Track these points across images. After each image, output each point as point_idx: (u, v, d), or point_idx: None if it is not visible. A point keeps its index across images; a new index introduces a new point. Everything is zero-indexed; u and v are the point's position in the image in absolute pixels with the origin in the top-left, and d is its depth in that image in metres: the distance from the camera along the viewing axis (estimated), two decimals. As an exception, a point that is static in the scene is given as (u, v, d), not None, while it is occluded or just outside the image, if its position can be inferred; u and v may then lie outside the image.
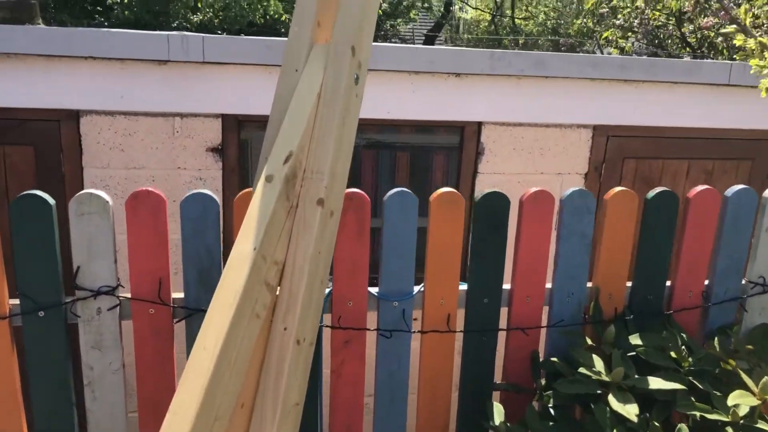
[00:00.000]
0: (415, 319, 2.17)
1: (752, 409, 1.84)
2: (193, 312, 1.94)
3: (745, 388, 1.93)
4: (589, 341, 2.12)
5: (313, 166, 1.68)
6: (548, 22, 19.00)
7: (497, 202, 2.01)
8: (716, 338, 2.12)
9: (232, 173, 3.35)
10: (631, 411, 1.78)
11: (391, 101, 3.35)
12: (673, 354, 2.04)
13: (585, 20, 9.57)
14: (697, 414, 1.84)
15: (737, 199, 2.17)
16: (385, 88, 3.33)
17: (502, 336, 2.25)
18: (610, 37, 9.50)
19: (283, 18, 5.99)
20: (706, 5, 8.93)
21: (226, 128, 3.27)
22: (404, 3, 17.02)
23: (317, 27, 1.88)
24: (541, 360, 2.15)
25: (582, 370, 1.93)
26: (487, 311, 2.09)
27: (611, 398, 1.84)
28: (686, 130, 3.69)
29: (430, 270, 2.04)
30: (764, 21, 9.28)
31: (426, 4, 20.65)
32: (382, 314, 2.06)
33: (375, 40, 16.76)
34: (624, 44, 9.68)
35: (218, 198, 3.31)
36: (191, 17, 5.46)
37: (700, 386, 1.92)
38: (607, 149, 3.65)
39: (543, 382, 2.09)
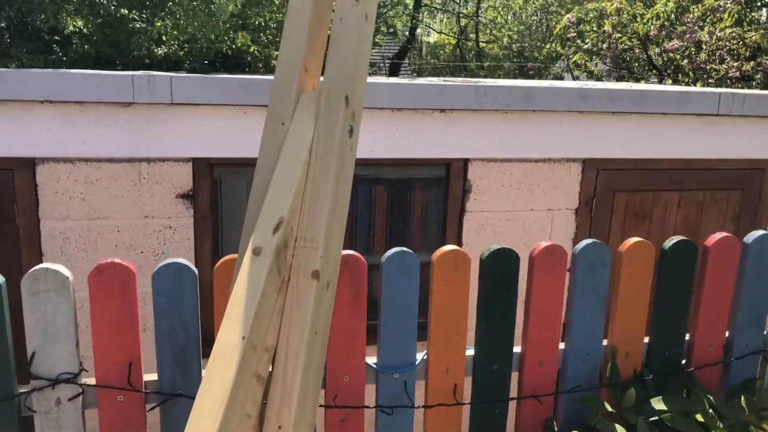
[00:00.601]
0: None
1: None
2: (169, 397, 1.70)
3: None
4: (608, 407, 1.94)
5: (307, 233, 1.47)
6: (513, 46, 19.23)
7: (506, 259, 1.83)
8: (743, 397, 1.95)
9: (204, 220, 3.11)
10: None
11: (374, 139, 3.17)
12: (699, 417, 1.86)
13: (553, 44, 9.62)
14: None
15: (758, 246, 2.03)
16: (367, 125, 3.14)
17: (512, 402, 2.05)
18: (579, 61, 9.54)
19: (252, 49, 5.79)
20: (672, 29, 9.05)
21: (198, 173, 3.04)
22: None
23: (304, 73, 1.68)
24: (556, 430, 1.95)
25: (606, 444, 1.74)
26: (497, 379, 1.90)
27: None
28: (676, 161, 3.59)
29: (433, 336, 1.84)
30: (727, 43, 9.45)
31: (391, 29, 20.71)
32: (381, 388, 1.84)
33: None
34: (592, 68, 9.73)
35: (191, 258, 3.07)
36: (155, 50, 5.22)
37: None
38: (597, 183, 3.52)
39: (560, 454, 1.90)
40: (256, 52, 6.27)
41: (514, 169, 3.40)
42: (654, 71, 10.35)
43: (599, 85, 3.56)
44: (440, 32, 23.75)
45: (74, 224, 2.94)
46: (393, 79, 3.84)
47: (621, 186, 3.56)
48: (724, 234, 2.04)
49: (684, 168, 3.62)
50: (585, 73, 9.81)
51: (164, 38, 5.08)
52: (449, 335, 1.83)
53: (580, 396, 1.94)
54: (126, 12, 5.30)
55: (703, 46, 9.66)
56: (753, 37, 8.20)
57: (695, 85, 10.09)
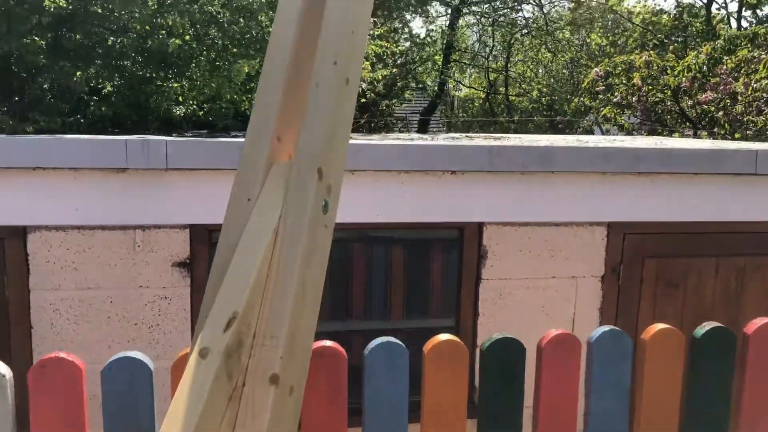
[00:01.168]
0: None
1: None
2: None
3: None
4: None
5: (266, 330, 1.28)
6: (543, 99, 19.16)
7: (510, 350, 1.60)
8: None
9: (202, 290, 2.94)
10: None
11: (380, 203, 2.99)
12: None
13: (582, 98, 9.45)
14: None
15: (806, 333, 1.75)
16: (373, 188, 2.98)
17: None
18: (609, 114, 9.33)
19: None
20: (705, 80, 8.81)
21: (195, 240, 2.89)
22: (398, 84, 17.15)
23: (276, 142, 1.52)
24: None
25: None
26: (503, 488, 1.64)
27: None
28: (711, 224, 3.31)
29: (427, 438, 1.60)
30: (763, 94, 9.15)
31: (420, 85, 20.89)
32: (367, 498, 1.60)
33: (368, 123, 16.82)
34: (622, 121, 9.51)
35: (187, 331, 2.88)
36: (174, 110, 5.21)
37: None
38: (624, 248, 3.26)
39: None
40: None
41: (534, 234, 3.18)
42: (687, 123, 10.07)
43: (624, 143, 3.34)
44: (470, 87, 23.88)
45: (65, 295, 2.80)
46: (403, 140, 3.70)
47: (650, 251, 3.29)
48: (766, 320, 1.77)
49: (720, 231, 3.33)
50: (615, 126, 9.59)
51: (181, 98, 5.07)
52: (445, 437, 1.59)
53: None
54: (149, 73, 5.32)
55: (739, 98, 9.37)
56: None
57: (732, 138, 9.76)
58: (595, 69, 9.51)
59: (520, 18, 20.62)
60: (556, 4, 20.80)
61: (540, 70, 21.37)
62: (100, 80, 5.19)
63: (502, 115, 21.05)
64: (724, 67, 8.79)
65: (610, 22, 19.57)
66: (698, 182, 3.24)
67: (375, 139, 3.56)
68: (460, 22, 20.28)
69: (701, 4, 18.96)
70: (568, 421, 1.65)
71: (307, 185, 1.40)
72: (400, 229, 3.15)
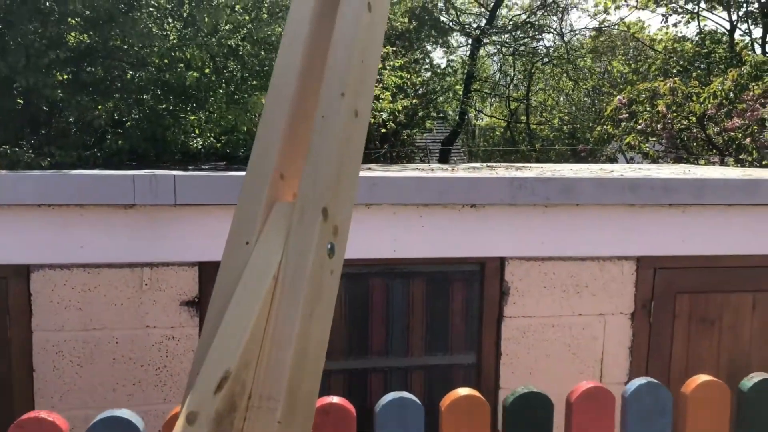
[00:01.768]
0: None
1: None
2: None
3: None
4: None
5: (263, 390, 1.15)
6: (564, 127, 18.99)
7: (536, 405, 1.45)
8: None
9: (211, 329, 2.82)
10: None
11: (399, 238, 2.87)
12: None
13: (605, 126, 9.29)
14: None
15: None
16: (389, 223, 2.86)
17: None
18: (633, 142, 9.16)
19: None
20: (731, 107, 8.61)
21: (204, 278, 2.79)
22: (420, 113, 17.15)
23: (279, 180, 1.41)
24: None
25: None
26: None
27: None
28: (747, 258, 3.13)
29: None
30: (792, 120, 8.90)
31: (441, 114, 20.90)
32: None
33: (389, 153, 16.75)
34: (647, 149, 9.32)
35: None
36: (191, 143, 5.18)
37: None
38: (655, 284, 3.08)
39: None
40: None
41: (558, 269, 3.02)
42: (714, 150, 9.84)
43: (651, 173, 3.19)
44: (491, 116, 23.82)
45: (69, 336, 2.70)
46: (422, 171, 3.59)
47: (683, 287, 3.11)
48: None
49: (756, 265, 3.14)
50: (639, 154, 9.39)
51: (197, 131, 5.04)
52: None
53: None
54: (167, 106, 5.31)
55: (767, 124, 9.14)
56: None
57: (760, 164, 9.50)
58: (619, 96, 9.36)
59: (540, 47, 20.61)
60: (577, 32, 20.78)
61: (561, 99, 21.26)
62: (118, 114, 5.18)
63: (523, 143, 20.90)
64: (751, 93, 8.59)
65: (632, 50, 19.46)
66: (732, 213, 3.06)
67: (393, 171, 3.45)
68: (481, 51, 20.32)
69: (724, 30, 18.79)
70: (602, 486, 1.48)
71: (310, 227, 1.29)
72: (420, 264, 3.02)
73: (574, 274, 3.03)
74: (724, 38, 18.33)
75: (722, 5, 17.51)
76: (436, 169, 5.46)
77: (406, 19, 14.37)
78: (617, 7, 19.82)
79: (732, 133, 9.31)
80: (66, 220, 2.63)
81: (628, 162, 10.76)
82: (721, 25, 19.57)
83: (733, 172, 4.47)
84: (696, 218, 3.04)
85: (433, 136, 21.43)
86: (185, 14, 5.58)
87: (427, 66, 19.14)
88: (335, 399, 1.39)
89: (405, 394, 1.42)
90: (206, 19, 4.65)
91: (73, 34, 5.29)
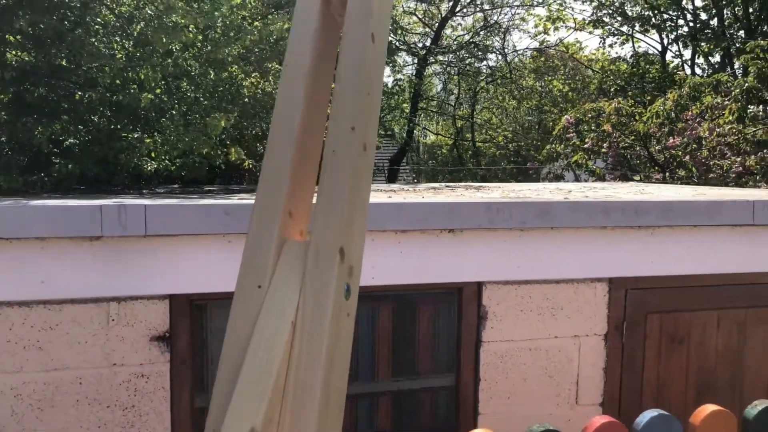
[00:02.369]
0: None
1: None
2: None
3: None
4: None
5: (288, 446, 1.07)
6: (509, 145, 19.41)
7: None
8: None
9: (183, 365, 2.69)
10: None
11: (375, 264, 2.82)
12: None
13: (553, 145, 9.54)
14: None
15: None
16: (367, 249, 2.80)
17: None
18: (580, 161, 9.41)
19: (246, 164, 5.59)
20: (672, 126, 8.98)
21: (176, 311, 2.66)
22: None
23: (288, 218, 1.34)
24: None
25: None
26: None
27: None
28: (712, 277, 3.22)
29: None
30: (727, 139, 9.36)
31: (389, 132, 21.03)
32: None
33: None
34: (593, 167, 9.59)
35: (166, 412, 2.62)
36: (145, 166, 4.99)
37: None
38: (627, 305, 3.13)
39: None
40: (251, 165, 6.05)
41: (534, 292, 3.03)
42: (656, 168, 10.23)
43: (613, 194, 3.25)
44: (437, 134, 24.13)
45: (29, 378, 2.52)
46: (396, 198, 3.56)
47: (653, 307, 3.17)
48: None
49: (720, 284, 3.24)
50: (586, 172, 9.66)
51: (153, 154, 4.87)
52: None
53: None
54: (119, 128, 5.11)
55: (704, 142, 9.58)
56: (758, 134, 8.08)
57: (701, 181, 9.93)
58: (566, 116, 9.64)
59: (484, 66, 21.07)
60: (519, 53, 21.34)
61: (505, 117, 21.76)
62: (66, 136, 4.96)
63: (470, 161, 21.24)
64: (690, 113, 8.98)
65: (570, 70, 20.13)
66: (698, 235, 3.15)
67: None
68: (428, 70, 20.61)
69: (657, 51, 19.69)
70: None
71: (328, 269, 1.22)
72: (396, 292, 2.97)
73: (549, 296, 3.04)
74: (657, 59, 19.21)
75: (655, 28, 18.36)
76: (398, 190, 5.44)
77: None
78: (556, 29, 20.51)
79: (672, 151, 9.70)
80: (25, 255, 2.47)
81: (576, 179, 11.06)
82: (654, 47, 20.53)
83: (687, 192, 4.63)
84: (664, 240, 3.12)
85: (380, 153, 21.51)
86: (135, 33, 5.42)
87: (374, 85, 19.25)
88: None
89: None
90: (163, 40, 4.51)
91: (13, 52, 5.06)
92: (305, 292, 1.22)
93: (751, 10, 15.42)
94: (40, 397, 2.53)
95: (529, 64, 20.96)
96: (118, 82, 5.08)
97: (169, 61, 4.85)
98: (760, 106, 9.63)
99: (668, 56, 19.35)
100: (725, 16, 16.77)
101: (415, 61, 19.69)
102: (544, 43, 21.02)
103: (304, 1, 1.53)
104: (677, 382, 3.20)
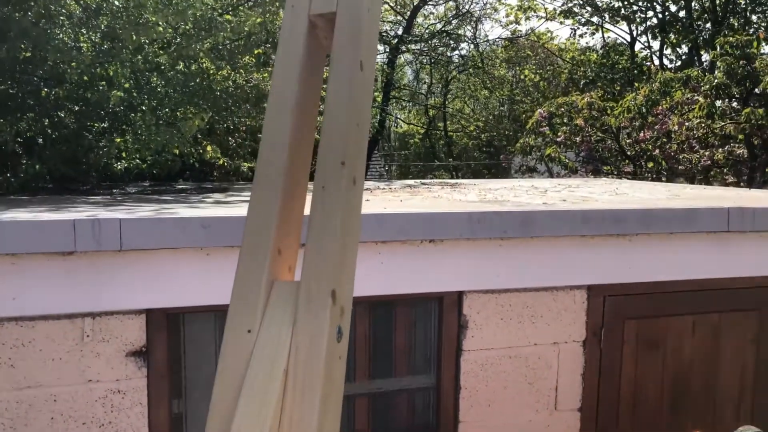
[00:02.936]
0: None
1: None
2: None
3: None
4: None
5: (284, 503, 1.05)
6: (482, 135, 19.48)
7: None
8: None
9: (161, 380, 2.64)
10: None
11: (357, 276, 2.78)
12: None
13: (527, 139, 9.60)
14: None
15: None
16: (348, 261, 2.77)
17: None
18: (553, 154, 9.49)
19: (221, 161, 5.49)
20: (643, 121, 9.09)
21: (152, 326, 2.60)
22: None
23: (277, 256, 1.31)
24: None
25: None
26: None
27: None
28: (687, 282, 3.27)
29: None
30: (695, 133, 9.53)
31: (360, 122, 20.88)
32: None
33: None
34: (566, 160, 9.68)
35: (144, 428, 2.57)
36: (115, 166, 4.87)
37: None
38: (605, 311, 3.16)
39: None
40: (225, 163, 5.95)
41: (514, 300, 3.04)
42: (627, 161, 10.37)
43: (601, 206, 3.27)
44: (409, 123, 24.09)
45: (0, 396, 2.44)
46: (374, 201, 3.52)
47: (631, 313, 3.21)
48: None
49: (696, 290, 3.29)
50: (559, 165, 9.76)
51: (124, 154, 4.74)
52: None
53: None
54: (88, 126, 4.96)
55: (673, 136, 9.73)
56: (728, 129, 8.23)
57: (667, 174, 10.10)
58: (540, 110, 9.69)
59: (456, 55, 21.05)
60: (491, 42, 21.36)
61: (477, 107, 21.82)
62: (32, 134, 4.80)
63: (441, 150, 21.28)
64: (660, 108, 9.11)
65: (542, 59, 20.24)
66: (674, 242, 3.19)
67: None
68: (400, 59, 20.52)
69: (625, 42, 19.89)
70: None
71: (320, 313, 1.19)
72: (376, 303, 2.96)
73: (529, 304, 3.06)
74: (627, 50, 19.42)
75: (624, 19, 18.54)
76: (374, 189, 5.42)
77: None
78: (527, 18, 20.57)
79: (643, 145, 9.83)
80: (-5, 271, 2.38)
81: (549, 171, 11.15)
82: (623, 38, 20.74)
83: (660, 192, 4.70)
84: (641, 247, 3.15)
85: (352, 143, 21.39)
86: (102, 26, 5.27)
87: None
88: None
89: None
90: (133, 37, 4.38)
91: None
92: (297, 338, 1.19)
93: (718, 2, 15.67)
94: (13, 416, 2.46)
95: (500, 54, 21.01)
96: (86, 78, 4.92)
97: (139, 57, 4.72)
98: (728, 102, 9.81)
99: (637, 47, 19.57)
100: (693, 8, 17.01)
101: (387, 49, 19.58)
102: (516, 33, 21.09)
103: (290, 26, 1.48)
104: (653, 387, 3.26)
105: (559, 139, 9.35)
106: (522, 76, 20.59)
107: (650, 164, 10.23)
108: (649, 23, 18.45)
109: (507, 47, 21.01)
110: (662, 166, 10.09)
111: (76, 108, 5.19)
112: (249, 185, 4.25)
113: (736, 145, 9.71)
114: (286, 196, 1.35)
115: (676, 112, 9.27)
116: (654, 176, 9.92)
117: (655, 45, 20.07)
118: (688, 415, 3.30)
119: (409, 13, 20.02)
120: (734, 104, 9.31)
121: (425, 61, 21.16)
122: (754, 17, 15.99)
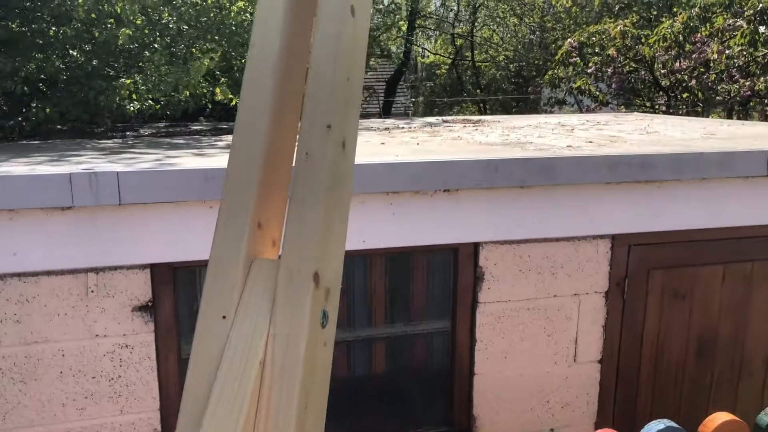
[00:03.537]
0: None
1: None
2: None
3: None
4: None
5: (259, 508, 0.97)
6: (511, 65, 18.81)
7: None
8: None
9: (168, 334, 2.61)
10: None
11: (365, 228, 2.68)
12: None
13: (555, 70, 9.17)
14: None
15: None
16: (357, 212, 2.65)
17: None
18: (583, 86, 9.08)
19: (234, 102, 5.33)
20: (679, 50, 8.60)
21: (158, 280, 2.54)
22: (363, 52, 16.58)
23: (257, 231, 1.19)
24: None
25: None
26: None
27: None
28: (718, 231, 3.09)
29: None
30: (736, 62, 9.00)
31: (385, 53, 20.36)
32: None
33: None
34: (596, 93, 9.27)
35: (153, 381, 2.54)
36: (128, 107, 4.75)
37: None
38: (629, 261, 3.02)
39: None
40: (237, 103, 5.79)
41: (533, 251, 2.90)
42: (660, 92, 9.90)
43: (628, 150, 3.07)
44: (435, 53, 23.38)
45: (8, 351, 2.44)
46: (389, 143, 3.36)
47: (657, 263, 3.06)
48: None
49: (727, 238, 3.11)
50: (589, 98, 9.35)
51: (134, 96, 4.62)
52: None
53: None
54: (97, 67, 4.82)
55: (711, 65, 9.22)
56: (769, 58, 7.73)
57: (701, 106, 9.64)
58: (569, 40, 9.22)
59: (485, -20, 20.11)
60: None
61: (506, 35, 21.00)
62: (43, 76, 4.69)
63: (469, 81, 20.68)
64: (699, 35, 8.58)
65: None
66: (708, 187, 2.99)
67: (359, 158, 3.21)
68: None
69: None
70: None
71: (301, 297, 1.08)
72: (389, 255, 2.85)
73: (549, 255, 2.92)
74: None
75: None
76: (392, 128, 5.23)
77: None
78: (561, -61, 19.42)
79: (678, 75, 9.35)
80: (-6, 226, 2.32)
81: (578, 104, 10.73)
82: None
83: (695, 129, 4.43)
84: (671, 193, 2.96)
85: (377, 74, 20.94)
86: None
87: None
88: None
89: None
90: (137, -30, 4.18)
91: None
92: (275, 325, 1.08)
93: None
94: (21, 371, 2.46)
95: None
96: (93, 16, 4.75)
97: (147, -8, 4.51)
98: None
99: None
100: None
101: (412, -25, 18.81)
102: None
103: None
104: (678, 339, 3.14)
105: (589, 71, 8.92)
106: (553, 1, 19.65)
107: (685, 95, 9.77)
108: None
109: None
110: (698, 97, 9.63)
111: (87, 47, 5.04)
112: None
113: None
114: (267, 165, 1.21)
115: (715, 39, 8.74)
116: (689, 108, 9.49)
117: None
118: (714, 368, 3.19)
119: (435, -65, 19.08)
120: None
121: (452, -14, 20.31)
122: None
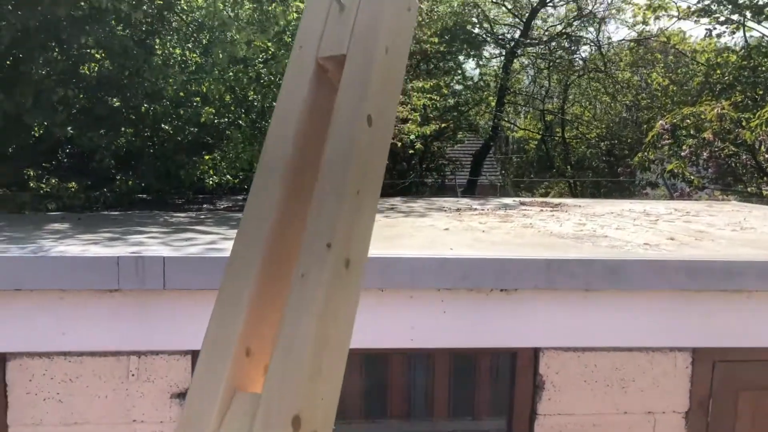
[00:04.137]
0: None
1: None
2: None
3: None
4: None
5: None
6: (602, 143, 18.36)
7: None
8: None
9: (205, 424, 2.52)
10: None
11: (414, 325, 2.52)
12: None
13: (646, 153, 8.79)
14: None
15: None
16: (405, 309, 2.51)
17: None
18: (676, 170, 8.63)
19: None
20: (785, 134, 8.03)
21: (198, 368, 2.48)
22: (450, 125, 16.76)
23: (244, 359, 1.09)
24: None
25: None
26: None
27: None
28: (823, 349, 2.70)
29: None
30: None
31: (473, 127, 20.50)
32: None
33: (419, 168, 16.40)
34: (691, 177, 8.78)
35: None
36: (207, 180, 4.92)
37: None
38: (713, 379, 2.68)
39: None
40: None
41: (601, 361, 2.64)
42: (765, 178, 9.25)
43: (710, 254, 2.79)
44: (524, 129, 23.28)
45: (47, 431, 2.42)
46: (453, 229, 3.23)
47: (747, 383, 2.70)
48: None
49: (834, 358, 2.71)
50: (683, 182, 8.86)
51: (212, 171, 4.78)
52: None
53: None
54: (181, 142, 5.06)
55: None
56: None
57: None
58: (661, 122, 8.85)
59: (576, 58, 20.02)
60: (615, 44, 20.15)
61: (597, 112, 20.65)
62: (131, 150, 4.95)
63: (558, 158, 20.33)
64: (808, 118, 8.01)
65: (671, 63, 18.77)
66: (807, 300, 2.64)
67: (410, 250, 3.11)
68: (515, 63, 19.85)
69: (771, 42, 17.96)
70: None
71: (276, 447, 0.95)
72: (441, 356, 2.67)
73: (618, 366, 2.64)
74: (772, 51, 17.51)
75: (770, 17, 16.73)
76: (464, 208, 5.11)
77: (436, 40, 13.99)
78: (657, 18, 19.12)
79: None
80: (45, 305, 2.36)
81: (668, 189, 10.20)
82: (769, 37, 18.74)
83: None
84: (762, 305, 2.63)
85: (464, 147, 21.02)
86: (204, 41, 5.35)
87: (459, 77, 18.76)
88: None
89: None
90: (221, 55, 4.39)
91: (91, 64, 5.08)
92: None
93: None
94: (59, 452, 2.43)
95: (625, 57, 19.73)
96: (182, 94, 5.01)
97: (230, 74, 4.72)
98: None
99: (785, 47, 17.59)
100: None
101: (503, 53, 19.01)
102: (643, 34, 19.70)
103: (295, 70, 1.24)
104: (773, 472, 2.72)
105: (683, 154, 8.48)
106: (649, 80, 19.20)
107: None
108: (800, 20, 16.54)
109: (632, 49, 19.69)
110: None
111: (175, 123, 5.32)
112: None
113: None
114: (262, 283, 1.12)
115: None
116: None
117: (808, 45, 17.96)
118: None
119: (527, 15, 19.34)
120: None
121: (543, 65, 20.32)
122: None
